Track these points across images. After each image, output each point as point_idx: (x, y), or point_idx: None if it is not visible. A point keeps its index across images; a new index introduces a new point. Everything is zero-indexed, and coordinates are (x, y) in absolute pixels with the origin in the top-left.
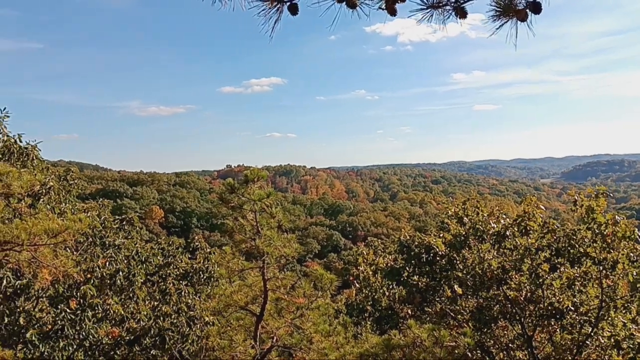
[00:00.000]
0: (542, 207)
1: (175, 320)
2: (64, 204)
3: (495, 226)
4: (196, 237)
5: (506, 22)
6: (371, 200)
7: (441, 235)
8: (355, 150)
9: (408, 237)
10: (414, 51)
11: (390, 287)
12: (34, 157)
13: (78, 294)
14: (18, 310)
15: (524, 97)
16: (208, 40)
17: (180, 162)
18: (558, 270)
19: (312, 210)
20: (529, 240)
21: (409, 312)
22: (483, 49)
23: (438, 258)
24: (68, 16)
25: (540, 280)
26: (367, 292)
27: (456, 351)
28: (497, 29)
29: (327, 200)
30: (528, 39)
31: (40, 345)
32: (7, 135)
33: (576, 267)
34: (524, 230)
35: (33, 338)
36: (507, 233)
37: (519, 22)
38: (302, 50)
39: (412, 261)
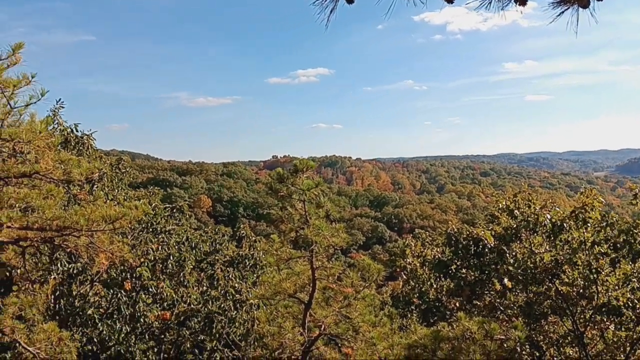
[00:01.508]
0: (602, 200)
1: (222, 304)
2: (116, 191)
3: (551, 217)
4: (242, 226)
5: (567, 9)
6: (417, 192)
7: (490, 227)
8: (402, 142)
9: (456, 230)
10: (464, 40)
11: (438, 279)
12: (89, 146)
13: (133, 276)
14: (74, 293)
15: (579, 87)
16: (255, 31)
17: (227, 152)
18: (615, 266)
19: (357, 202)
20: (586, 233)
21: (457, 304)
22: (535, 38)
23: (487, 251)
24: (118, 9)
25: (595, 275)
26: (413, 284)
27: (505, 345)
28: (558, 16)
29: (372, 192)
30: (590, 26)
31: (99, 324)
32: (63, 125)
33: (634, 263)
34: (581, 223)
35: (95, 315)
36: (564, 225)
37: (580, 9)
38: (349, 40)
39: (460, 253)
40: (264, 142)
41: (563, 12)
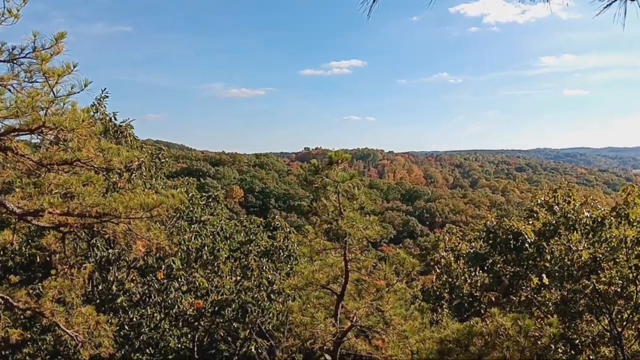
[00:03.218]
0: None
1: (256, 295)
2: (154, 180)
3: (590, 214)
4: (276, 217)
5: (614, 1)
6: (450, 186)
7: (531, 222)
8: (435, 135)
9: (494, 223)
10: (501, 33)
11: (473, 273)
12: (128, 135)
13: (164, 265)
14: (111, 279)
15: (619, 82)
16: (289, 23)
17: (260, 143)
18: None
19: (389, 195)
20: (627, 231)
21: (492, 299)
22: (575, 31)
23: (526, 245)
24: (154, 1)
25: (635, 274)
26: (445, 278)
27: (539, 342)
28: (605, 8)
29: (404, 185)
30: (638, 18)
31: (130, 312)
32: (105, 114)
33: None
34: (622, 220)
35: (124, 304)
36: (606, 222)
37: (628, 1)
38: (384, 32)
39: (498, 247)
40: (296, 134)
41: (610, 4)
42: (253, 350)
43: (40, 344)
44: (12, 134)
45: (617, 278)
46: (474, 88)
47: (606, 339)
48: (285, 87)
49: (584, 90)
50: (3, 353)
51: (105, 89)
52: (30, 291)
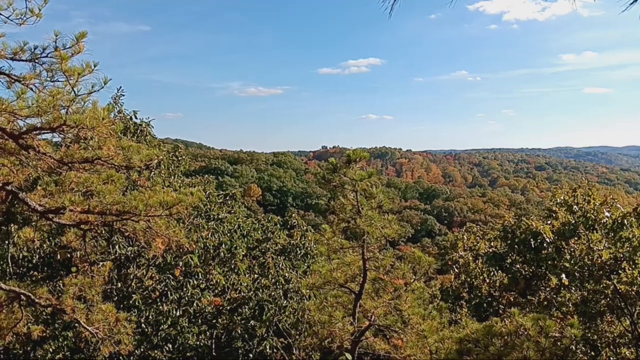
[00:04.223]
0: None
1: (273, 292)
2: (172, 178)
3: (610, 214)
4: (294, 215)
5: None
6: (469, 185)
7: (549, 222)
8: (454, 134)
9: (513, 223)
10: (520, 30)
11: (492, 273)
12: (147, 134)
13: (181, 262)
14: (130, 276)
15: None
16: (307, 22)
17: (277, 142)
18: None
19: (407, 194)
20: None
21: (511, 299)
22: (596, 28)
23: (545, 245)
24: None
25: None
26: (464, 277)
27: (559, 343)
28: (631, 4)
29: (422, 184)
30: None
31: (145, 310)
32: (124, 113)
33: None
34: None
35: (138, 303)
36: (625, 222)
37: None
38: (401, 30)
39: (516, 247)
40: (314, 133)
41: (636, 0)
42: (268, 349)
43: (61, 340)
44: (34, 132)
45: (639, 278)
46: (493, 86)
47: (627, 340)
48: (302, 86)
49: (605, 88)
50: (25, 349)
51: (120, 87)
52: (52, 288)
